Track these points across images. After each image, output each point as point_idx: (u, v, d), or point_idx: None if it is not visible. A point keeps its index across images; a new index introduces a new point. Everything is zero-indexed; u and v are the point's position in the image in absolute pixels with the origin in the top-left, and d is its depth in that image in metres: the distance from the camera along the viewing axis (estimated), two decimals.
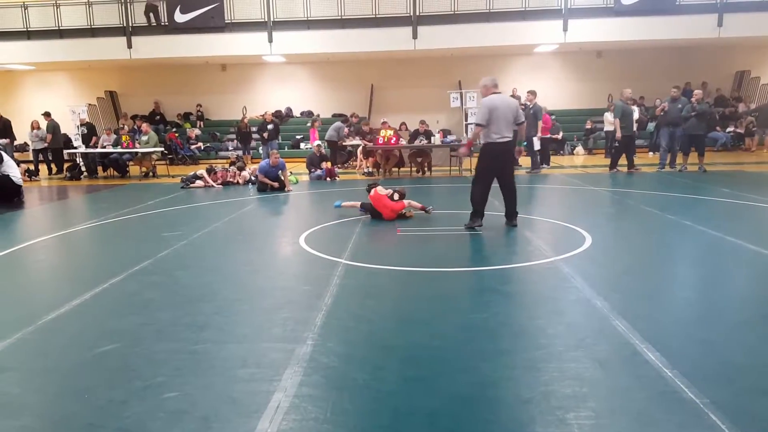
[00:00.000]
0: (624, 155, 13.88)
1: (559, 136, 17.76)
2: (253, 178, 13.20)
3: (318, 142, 15.93)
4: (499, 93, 7.38)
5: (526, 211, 8.84)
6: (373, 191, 8.50)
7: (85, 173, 16.65)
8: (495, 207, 9.23)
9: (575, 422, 2.75)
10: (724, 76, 21.99)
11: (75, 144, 17.43)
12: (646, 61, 21.07)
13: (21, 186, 11.52)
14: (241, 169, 13.65)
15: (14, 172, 11.34)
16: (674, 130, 13.59)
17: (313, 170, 14.63)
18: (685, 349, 3.60)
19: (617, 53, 21.02)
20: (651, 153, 18.44)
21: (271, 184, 11.97)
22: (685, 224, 7.46)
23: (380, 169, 15.21)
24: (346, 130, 16.78)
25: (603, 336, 3.79)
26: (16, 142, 18.47)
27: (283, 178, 12.25)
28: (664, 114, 13.85)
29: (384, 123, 17.11)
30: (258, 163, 14.18)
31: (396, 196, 8.45)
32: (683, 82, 21.05)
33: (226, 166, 13.92)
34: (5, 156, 11.45)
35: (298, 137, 21.31)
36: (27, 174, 16.10)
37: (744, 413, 2.80)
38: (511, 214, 7.58)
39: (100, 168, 16.87)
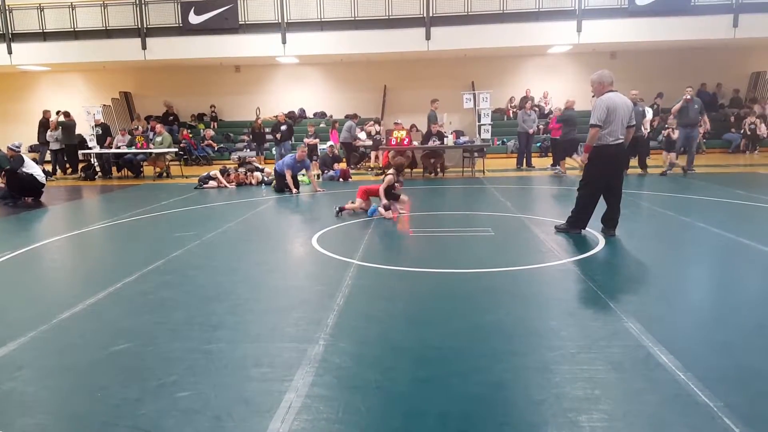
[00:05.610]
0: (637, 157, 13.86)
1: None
2: (266, 178, 13.25)
3: (331, 142, 15.99)
4: (616, 91, 6.71)
5: (539, 213, 8.83)
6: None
7: (100, 173, 16.80)
8: (507, 208, 9.22)
9: (587, 425, 2.74)
10: (739, 76, 21.81)
11: (90, 144, 17.57)
12: (660, 62, 20.94)
13: (44, 184, 11.97)
14: (251, 170, 13.68)
15: (37, 171, 11.77)
16: (691, 131, 13.45)
17: (326, 171, 14.66)
18: (700, 352, 3.57)
19: (631, 54, 20.90)
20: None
21: (292, 187, 11.79)
22: (699, 226, 7.40)
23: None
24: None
25: (616, 338, 3.76)
26: (31, 143, 18.62)
27: (307, 176, 12.34)
28: (679, 115, 13.71)
29: (397, 124, 17.13)
30: (271, 163, 14.22)
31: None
32: (699, 83, 20.94)
33: (236, 167, 13.98)
34: (26, 158, 11.79)
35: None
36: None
37: (759, 417, 2.77)
38: (610, 221, 6.95)
39: (114, 168, 17.01)
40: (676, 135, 15.06)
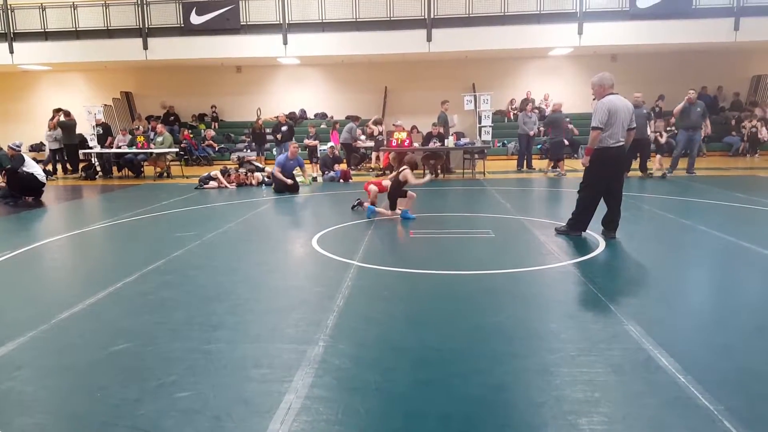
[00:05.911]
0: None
1: (576, 131, 17.47)
2: (267, 179, 13.25)
3: (331, 143, 16.00)
4: (617, 93, 6.72)
5: (539, 215, 8.83)
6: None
7: (100, 173, 16.79)
8: (507, 210, 9.22)
9: (587, 427, 2.73)
10: (740, 80, 21.82)
11: (90, 144, 17.58)
12: (661, 65, 20.95)
13: (45, 184, 11.97)
14: (251, 171, 13.69)
15: (37, 170, 11.79)
16: (693, 133, 13.42)
17: (326, 172, 14.67)
18: (700, 354, 3.57)
19: (632, 57, 20.91)
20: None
21: (285, 181, 11.88)
22: (699, 229, 7.40)
23: (393, 172, 15.23)
24: (359, 131, 16.99)
25: (616, 341, 3.76)
26: (31, 143, 18.58)
27: (302, 173, 12.38)
28: (681, 117, 13.70)
29: (398, 125, 17.13)
30: (271, 164, 14.28)
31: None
32: (699, 87, 20.94)
33: (237, 167, 14.00)
34: (26, 157, 11.84)
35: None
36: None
37: (759, 420, 2.77)
38: (610, 224, 6.93)
39: (115, 168, 17.00)
40: (664, 138, 15.13)
